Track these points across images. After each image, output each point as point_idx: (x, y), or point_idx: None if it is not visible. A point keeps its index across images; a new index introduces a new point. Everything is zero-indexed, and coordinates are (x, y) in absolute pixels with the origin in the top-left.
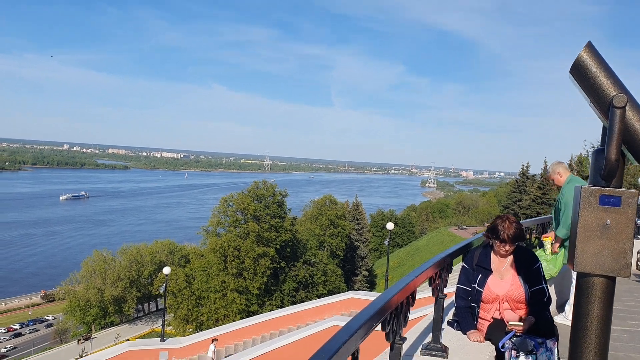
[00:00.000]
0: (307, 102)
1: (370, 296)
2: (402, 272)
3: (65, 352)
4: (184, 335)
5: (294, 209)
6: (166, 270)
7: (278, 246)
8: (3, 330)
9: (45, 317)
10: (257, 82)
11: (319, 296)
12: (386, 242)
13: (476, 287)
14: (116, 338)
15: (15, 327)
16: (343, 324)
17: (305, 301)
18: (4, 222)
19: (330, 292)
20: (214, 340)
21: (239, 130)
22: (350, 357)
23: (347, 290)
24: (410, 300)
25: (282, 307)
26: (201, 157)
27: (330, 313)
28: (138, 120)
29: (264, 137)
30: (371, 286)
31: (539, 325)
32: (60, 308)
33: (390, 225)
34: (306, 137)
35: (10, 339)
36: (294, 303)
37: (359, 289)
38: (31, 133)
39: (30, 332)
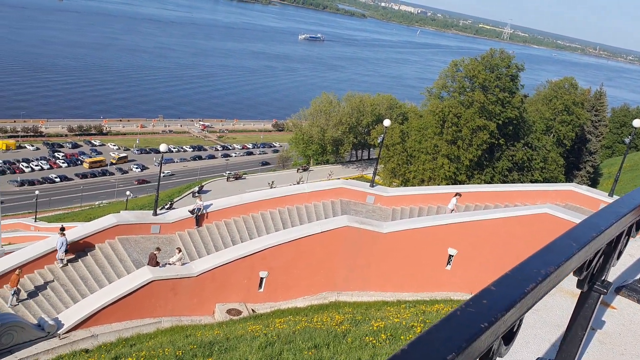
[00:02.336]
0: None
1: (593, 193)
2: (633, 177)
3: (285, 176)
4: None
5: (527, 86)
6: (386, 122)
7: (500, 122)
8: (239, 147)
9: (273, 143)
10: None
11: (532, 181)
12: (627, 140)
13: None
14: (329, 175)
15: (248, 147)
16: (557, 213)
17: (517, 183)
18: (253, 52)
19: (546, 180)
20: (457, 194)
21: None
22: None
23: (565, 182)
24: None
25: (490, 183)
26: (438, 15)
27: (544, 200)
28: None
29: (508, 2)
30: (592, 185)
31: None
32: (286, 138)
33: (637, 122)
34: (555, 8)
35: (242, 156)
36: (503, 182)
37: (579, 183)
38: None
39: (260, 154)
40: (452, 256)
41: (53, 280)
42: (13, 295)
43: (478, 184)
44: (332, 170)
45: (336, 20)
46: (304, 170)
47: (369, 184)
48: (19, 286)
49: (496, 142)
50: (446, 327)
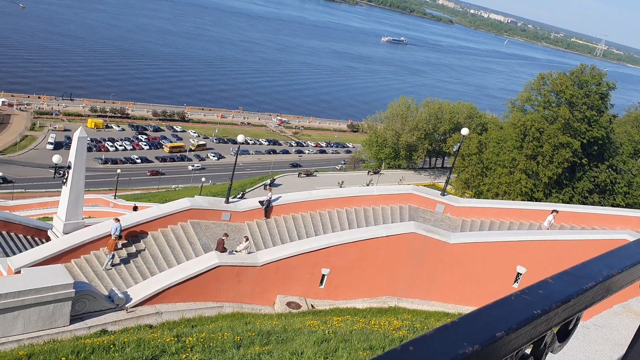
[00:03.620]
0: None
1: None
2: None
3: (356, 177)
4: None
5: (617, 106)
6: (464, 131)
7: (585, 140)
8: (313, 144)
9: (347, 143)
10: None
11: (614, 206)
12: None
13: None
14: (400, 180)
15: (322, 145)
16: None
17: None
18: (335, 51)
19: (629, 206)
20: (553, 211)
21: (576, 3)
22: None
23: None
24: None
25: (569, 203)
26: (529, 25)
27: (624, 226)
28: None
29: (604, 17)
30: None
31: None
32: (360, 139)
33: None
34: None
35: (316, 153)
36: (582, 204)
37: None
38: None
39: (332, 153)
40: (521, 274)
41: (126, 257)
42: (111, 258)
43: (556, 202)
44: (403, 175)
45: (422, 24)
46: (375, 173)
47: (440, 192)
48: (115, 251)
49: (579, 161)
50: (499, 308)
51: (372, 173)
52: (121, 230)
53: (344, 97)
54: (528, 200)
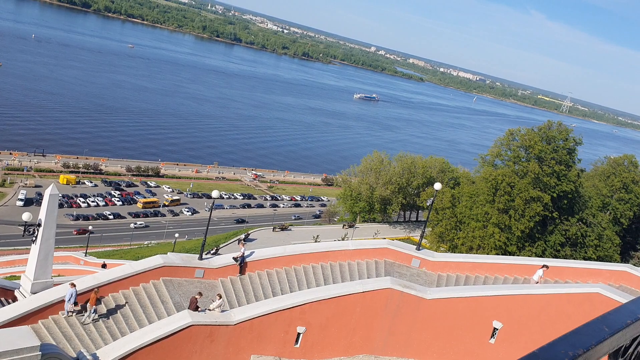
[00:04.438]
0: (631, 45)
1: None
2: None
3: (331, 231)
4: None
5: (584, 160)
6: (437, 186)
7: (555, 194)
8: (287, 198)
9: (322, 197)
10: (582, 14)
11: (585, 259)
12: None
13: None
14: (375, 234)
15: (297, 199)
16: (610, 294)
17: (569, 259)
18: (310, 107)
19: (600, 259)
20: (543, 266)
21: (542, 63)
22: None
23: (620, 262)
24: None
25: (541, 257)
26: (497, 83)
27: (596, 279)
28: (442, 34)
29: (569, 75)
30: None
31: None
32: (335, 193)
33: None
34: (618, 84)
35: (290, 207)
36: (555, 257)
37: (635, 265)
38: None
39: (307, 206)
40: (497, 329)
41: (96, 317)
42: (92, 312)
43: (528, 256)
44: (378, 229)
45: (394, 82)
46: (350, 226)
47: (416, 246)
48: (95, 305)
49: (550, 215)
50: None
51: (347, 227)
52: (77, 296)
53: (318, 151)
54: (502, 254)
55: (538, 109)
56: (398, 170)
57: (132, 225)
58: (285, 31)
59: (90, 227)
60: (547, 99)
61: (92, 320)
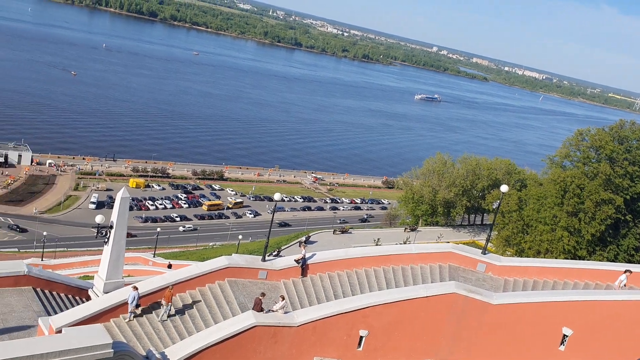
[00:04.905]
0: None
1: None
2: None
3: (392, 235)
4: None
5: None
6: (504, 188)
7: (628, 197)
8: (347, 201)
9: (382, 199)
10: None
11: None
12: None
13: None
14: (438, 237)
15: (356, 201)
16: None
17: None
18: (370, 109)
19: None
20: (626, 271)
21: (613, 59)
22: None
23: None
24: None
25: (614, 261)
26: (564, 82)
27: None
28: (507, 32)
29: None
30: None
31: None
32: (395, 196)
33: None
34: None
35: (350, 210)
36: (629, 262)
37: None
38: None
39: (367, 209)
40: (567, 336)
41: (172, 312)
42: (168, 310)
43: (600, 261)
44: (441, 232)
45: (456, 82)
46: (412, 230)
47: (481, 250)
48: (171, 302)
49: (622, 217)
50: None
51: (408, 230)
52: (139, 299)
53: (379, 154)
54: (571, 259)
55: (609, 108)
56: (462, 172)
57: (180, 229)
58: (345, 34)
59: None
60: (619, 97)
61: (168, 316)
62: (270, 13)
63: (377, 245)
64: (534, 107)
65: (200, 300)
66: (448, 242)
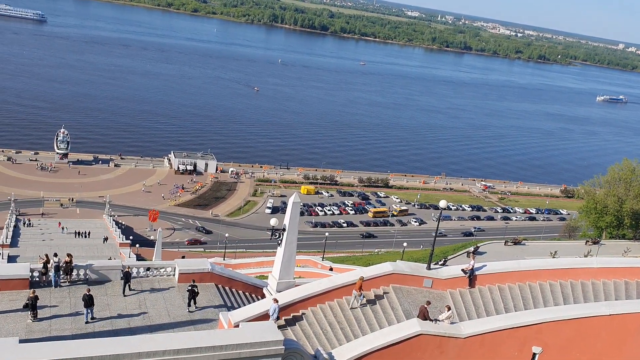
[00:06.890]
0: None
1: None
2: None
3: (570, 247)
4: None
5: None
6: None
7: None
8: (521, 210)
9: (560, 210)
10: None
11: None
12: None
13: None
14: (625, 252)
15: (531, 211)
16: None
17: None
18: (547, 113)
19: None
20: None
21: None
22: None
23: None
24: None
25: None
26: None
27: None
28: None
29: None
30: None
31: None
32: (576, 206)
33: None
34: None
35: (524, 220)
36: None
37: None
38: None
39: (543, 220)
40: None
41: (363, 301)
42: (361, 298)
43: None
44: (629, 246)
45: None
46: (594, 243)
47: None
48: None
49: None
50: None
51: (590, 243)
52: (279, 312)
53: (557, 160)
54: None
55: None
56: None
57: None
58: (519, 35)
59: (202, 238)
60: None
61: (360, 304)
62: (439, 18)
63: (553, 258)
64: None
65: (366, 305)
66: (637, 257)
